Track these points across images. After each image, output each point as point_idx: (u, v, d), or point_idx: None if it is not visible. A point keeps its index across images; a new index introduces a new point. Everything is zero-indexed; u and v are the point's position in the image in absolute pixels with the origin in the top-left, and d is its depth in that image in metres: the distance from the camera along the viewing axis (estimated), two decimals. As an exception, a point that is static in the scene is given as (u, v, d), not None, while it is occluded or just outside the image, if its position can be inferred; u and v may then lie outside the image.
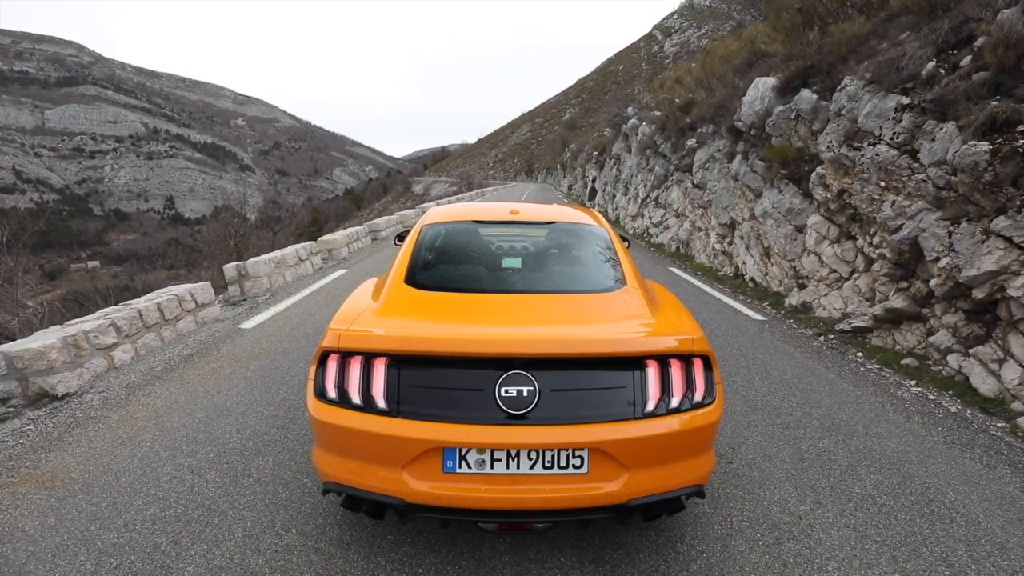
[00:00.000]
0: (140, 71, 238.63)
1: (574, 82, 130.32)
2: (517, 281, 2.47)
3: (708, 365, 1.99)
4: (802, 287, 6.71)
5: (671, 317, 2.19)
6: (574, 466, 1.83)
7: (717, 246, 9.39)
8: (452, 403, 1.83)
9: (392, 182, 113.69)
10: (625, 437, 1.80)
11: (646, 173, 14.13)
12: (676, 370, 1.91)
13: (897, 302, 5.04)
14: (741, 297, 7.49)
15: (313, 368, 1.98)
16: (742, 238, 8.35)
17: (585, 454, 1.83)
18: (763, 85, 7.66)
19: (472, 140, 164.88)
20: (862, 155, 5.45)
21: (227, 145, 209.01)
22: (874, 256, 5.42)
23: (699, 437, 1.91)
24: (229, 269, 7.35)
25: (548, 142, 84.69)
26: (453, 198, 29.99)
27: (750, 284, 7.97)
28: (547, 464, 1.82)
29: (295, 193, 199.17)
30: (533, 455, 1.82)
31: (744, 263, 8.27)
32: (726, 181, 8.98)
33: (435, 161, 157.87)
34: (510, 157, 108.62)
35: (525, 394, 1.82)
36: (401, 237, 3.84)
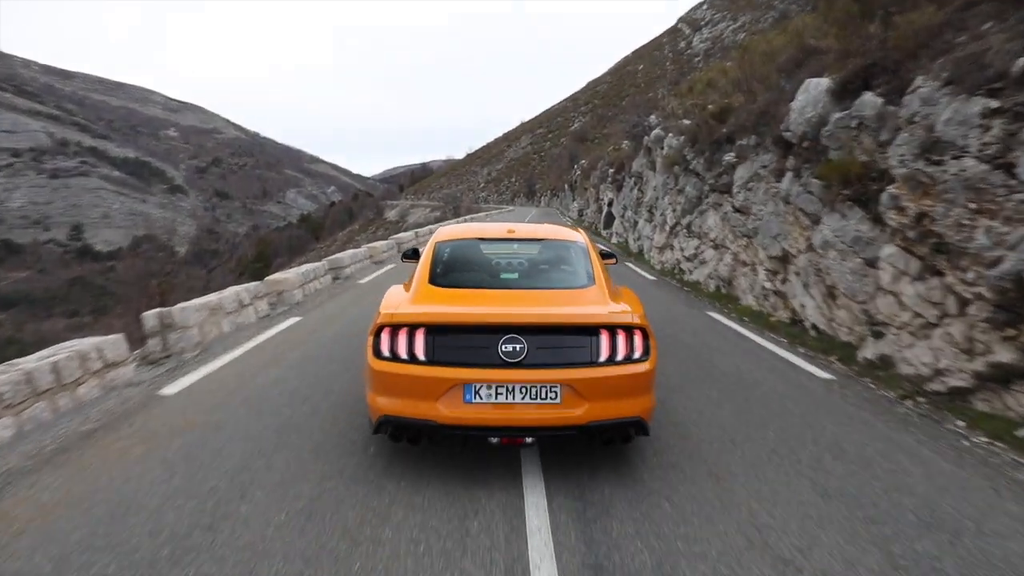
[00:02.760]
0: (48, 70, 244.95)
1: (584, 85, 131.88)
2: (512, 281, 4.18)
3: (645, 335, 3.54)
4: (879, 336, 6.68)
5: (625, 305, 3.75)
6: (551, 398, 3.35)
7: (767, 284, 9.45)
8: (469, 355, 3.34)
9: (360, 206, 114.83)
10: (585, 377, 3.34)
11: (675, 195, 14.36)
12: (621, 337, 3.46)
13: (1004, 355, 5.00)
14: (801, 349, 7.49)
15: (371, 338, 3.54)
16: (798, 274, 8.41)
17: (559, 389, 3.35)
18: (815, 88, 7.88)
19: (459, 155, 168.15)
20: (944, 171, 5.54)
21: (154, 161, 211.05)
22: (969, 296, 5.42)
23: (636, 381, 3.44)
24: (149, 317, 7.28)
25: (553, 157, 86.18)
26: (435, 226, 30.41)
27: (811, 332, 7.99)
28: (533, 396, 3.34)
29: (238, 220, 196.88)
30: (524, 389, 3.33)
31: (802, 306, 8.30)
32: (775, 204, 9.13)
33: (413, 181, 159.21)
34: (506, 175, 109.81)
35: (518, 349, 3.34)
36: (408, 254, 5.83)
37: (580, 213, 41.61)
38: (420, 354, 3.42)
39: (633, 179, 20.15)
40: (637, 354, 3.49)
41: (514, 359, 3.34)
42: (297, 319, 9.19)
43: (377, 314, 3.65)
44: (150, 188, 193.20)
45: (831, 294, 7.63)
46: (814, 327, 7.99)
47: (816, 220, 7.91)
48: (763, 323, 8.93)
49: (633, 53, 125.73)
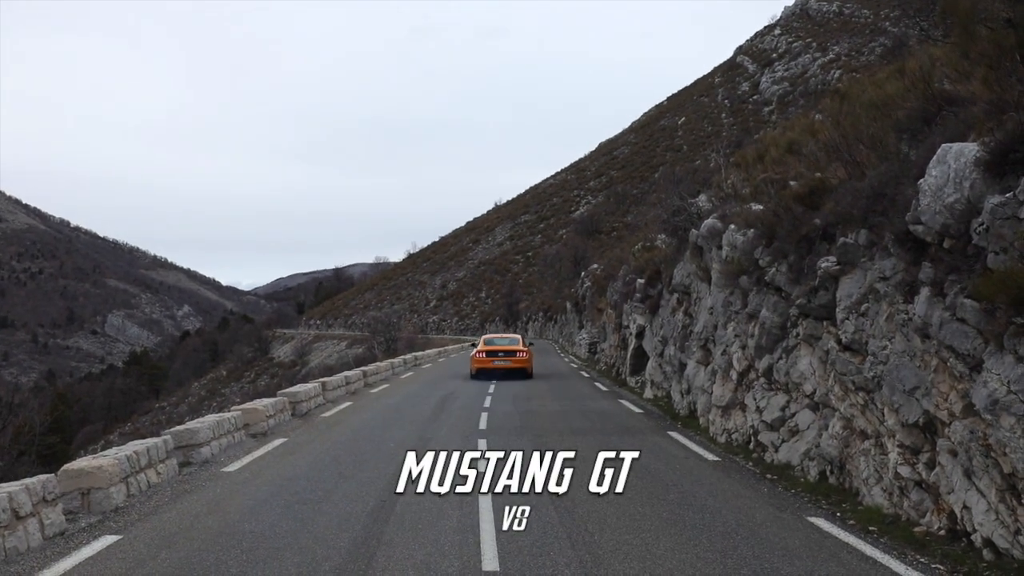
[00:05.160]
0: None
1: (594, 148, 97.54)
2: (501, 343, 25.67)
3: (526, 351, 23.79)
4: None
5: (523, 345, 24.38)
6: (509, 363, 23.21)
7: (903, 470, 6.42)
8: (493, 355, 23.57)
9: (231, 339, 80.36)
10: (515, 357, 23.37)
11: (743, 321, 10.14)
12: (523, 351, 23.60)
13: None
14: (968, 584, 5.04)
15: (474, 353, 24.11)
16: (954, 454, 5.68)
17: (510, 360, 23.29)
18: (958, 158, 5.66)
19: (396, 256, 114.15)
20: None
21: None
22: None
23: (525, 360, 23.19)
24: None
25: (547, 259, 64.41)
26: (358, 369, 24.11)
27: (984, 553, 5.28)
28: (506, 362, 23.24)
29: (21, 364, 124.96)
30: (504, 360, 23.33)
31: (965, 507, 5.54)
32: (906, 339, 6.34)
33: (322, 297, 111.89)
34: (472, 288, 77.28)
35: (503, 353, 23.60)
36: (471, 344, 28.84)
37: (592, 348, 29.57)
38: (484, 355, 22.82)
39: (675, 295, 14.77)
40: (524, 355, 22.78)
41: (502, 355, 22.84)
42: (113, 539, 5.96)
43: (473, 350, 24.16)
44: None
45: (1012, 488, 5.00)
46: (988, 544, 5.20)
47: (975, 365, 5.37)
48: (902, 536, 5.99)
49: (669, 100, 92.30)
